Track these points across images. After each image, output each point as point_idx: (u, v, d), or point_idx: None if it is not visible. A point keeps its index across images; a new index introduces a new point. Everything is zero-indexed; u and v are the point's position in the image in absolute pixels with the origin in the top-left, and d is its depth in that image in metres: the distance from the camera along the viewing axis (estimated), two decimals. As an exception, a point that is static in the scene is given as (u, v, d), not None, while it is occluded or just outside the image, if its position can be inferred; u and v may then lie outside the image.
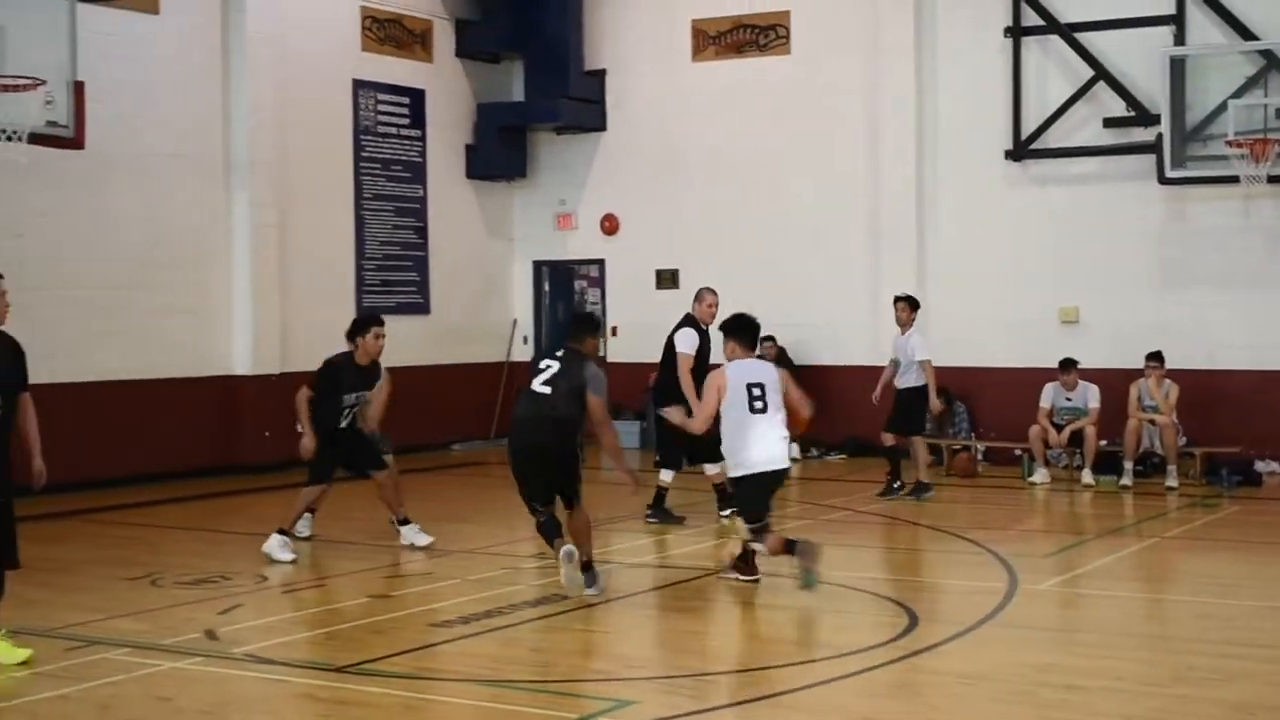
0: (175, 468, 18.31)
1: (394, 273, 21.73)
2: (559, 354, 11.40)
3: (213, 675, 8.83)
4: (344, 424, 13.17)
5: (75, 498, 15.75)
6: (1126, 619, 10.73)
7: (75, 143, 13.52)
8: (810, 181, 21.37)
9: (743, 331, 11.49)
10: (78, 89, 13.43)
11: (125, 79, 17.90)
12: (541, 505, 11.14)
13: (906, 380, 16.76)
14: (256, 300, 19.30)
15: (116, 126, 17.66)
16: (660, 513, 14.77)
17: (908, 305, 16.93)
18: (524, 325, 23.70)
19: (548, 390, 11.11)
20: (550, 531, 11.13)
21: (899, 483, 16.75)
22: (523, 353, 23.47)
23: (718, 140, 21.98)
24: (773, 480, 11.29)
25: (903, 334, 16.81)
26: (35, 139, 12.99)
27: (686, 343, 14.62)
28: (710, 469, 14.77)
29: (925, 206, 20.62)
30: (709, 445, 13.06)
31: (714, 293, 15.21)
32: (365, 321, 13.53)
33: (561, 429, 11.05)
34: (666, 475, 14.80)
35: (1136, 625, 10.63)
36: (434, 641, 9.80)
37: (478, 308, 23.10)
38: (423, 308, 22.10)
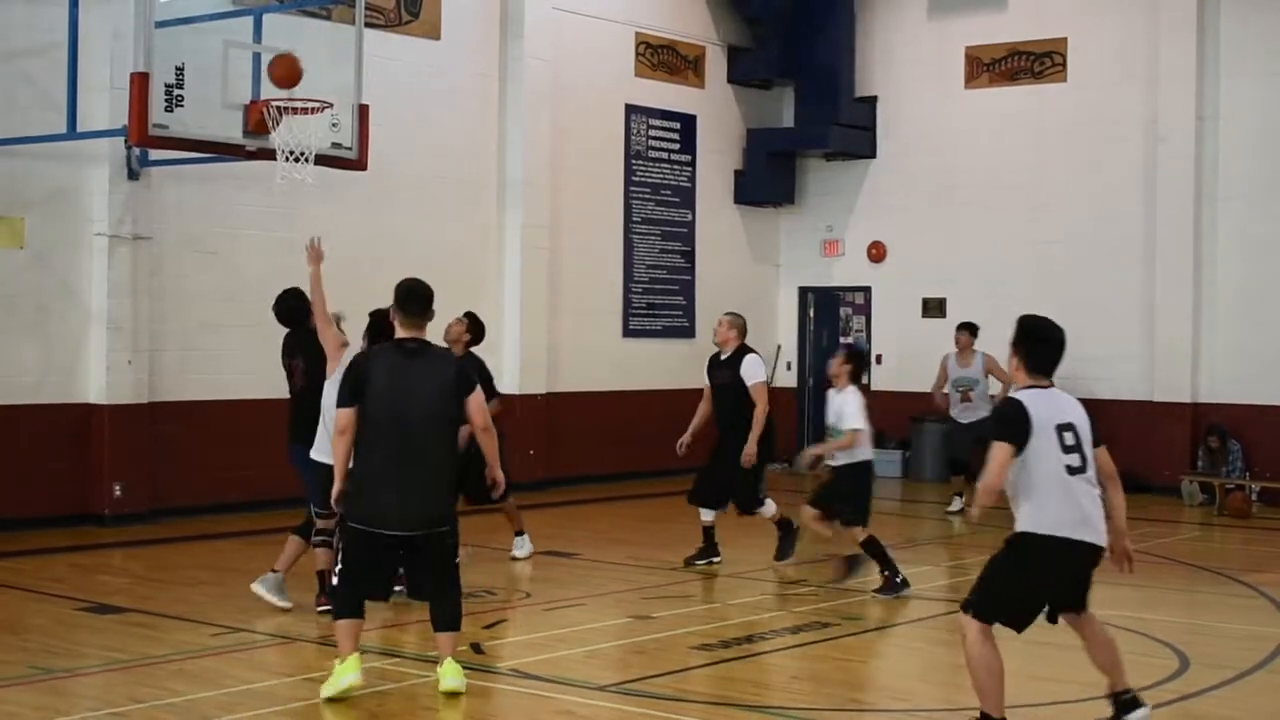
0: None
1: (660, 296, 21.79)
2: None
3: (477, 688, 8.88)
4: None
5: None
6: None
7: (358, 164, 13.82)
8: (1085, 211, 20.79)
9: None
10: (362, 112, 13.73)
11: (407, 102, 18.32)
12: None
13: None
14: (525, 321, 19.53)
15: (396, 148, 18.09)
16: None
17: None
18: (788, 351, 23.54)
19: None
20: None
21: None
22: (786, 379, 23.35)
23: (989, 169, 21.56)
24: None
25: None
26: (320, 160, 13.27)
27: (761, 371, 13.58)
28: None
29: (1203, 236, 19.90)
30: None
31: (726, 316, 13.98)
32: None
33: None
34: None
35: None
36: (694, 664, 9.73)
37: (743, 333, 22.98)
38: (688, 332, 22.09)
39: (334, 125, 13.58)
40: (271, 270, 16.92)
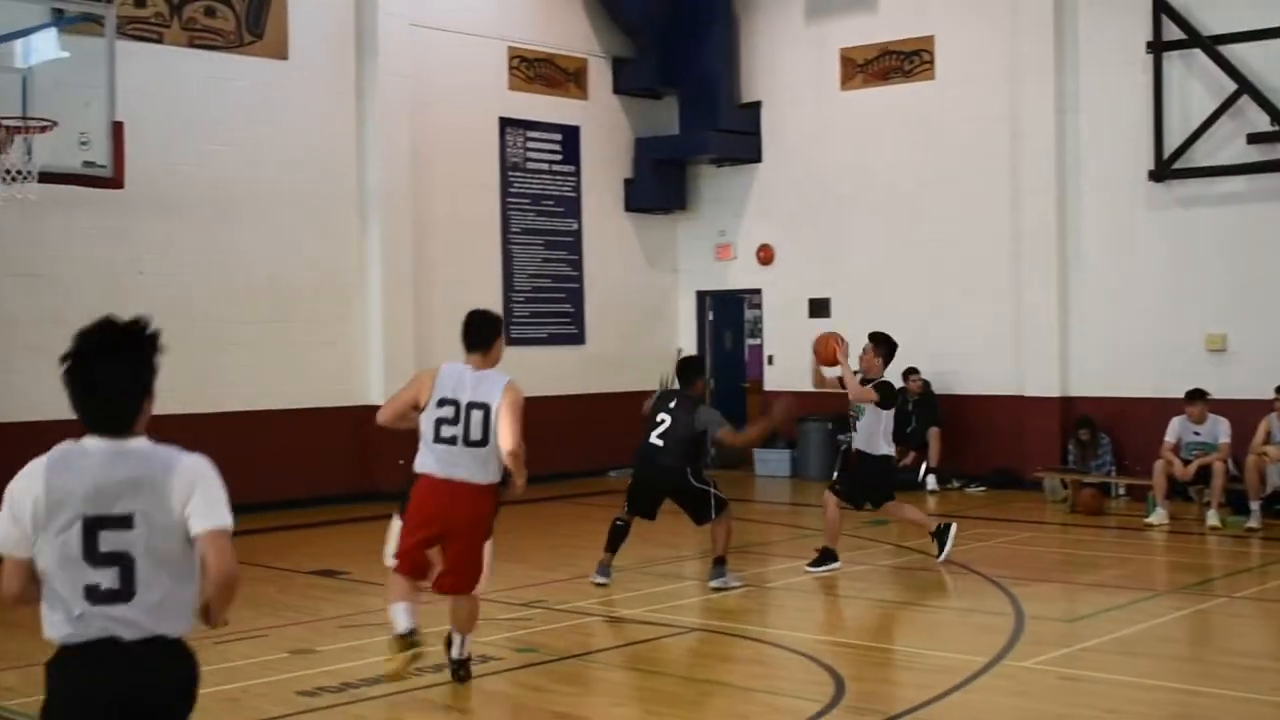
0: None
1: (545, 304, 20.73)
2: (673, 405, 12.05)
3: None
4: None
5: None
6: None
7: (114, 182, 12.90)
8: (954, 208, 19.54)
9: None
10: (116, 129, 12.80)
11: (251, 122, 17.43)
12: (631, 513, 12.20)
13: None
14: (389, 331, 18.50)
15: (239, 168, 17.27)
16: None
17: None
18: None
19: (660, 443, 11.94)
20: (616, 536, 12.18)
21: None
22: (687, 381, 22.27)
23: (866, 168, 20.32)
24: None
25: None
26: (73, 179, 12.42)
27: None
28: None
29: (1067, 231, 18.54)
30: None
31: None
32: None
33: (671, 474, 11.91)
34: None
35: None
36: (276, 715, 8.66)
37: (637, 337, 21.90)
38: (577, 339, 21.05)
39: (83, 144, 12.68)
40: (105, 291, 16.20)
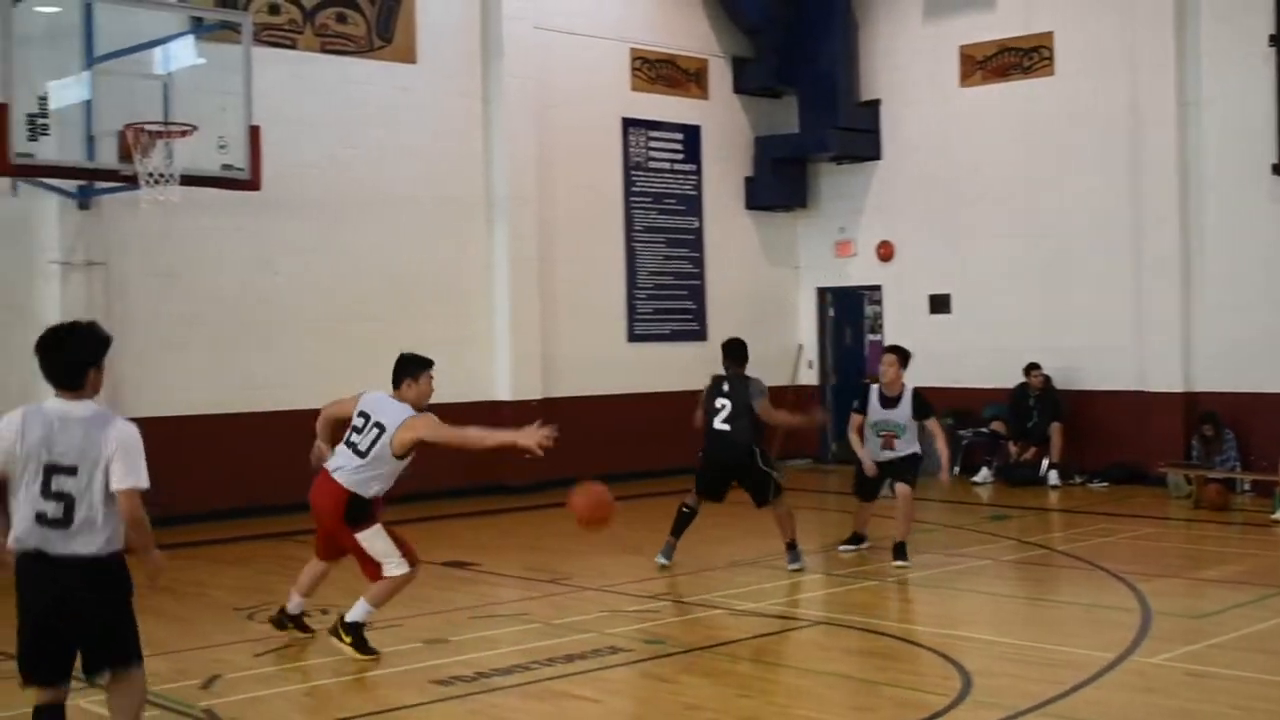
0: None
1: (667, 301, 20.77)
2: (726, 388, 12.45)
3: None
4: None
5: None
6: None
7: (251, 184, 13.12)
8: (1074, 205, 19.27)
9: None
10: (252, 133, 13.02)
11: (381, 125, 17.68)
12: (700, 496, 12.61)
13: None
14: (515, 330, 18.67)
15: (371, 170, 17.53)
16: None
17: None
18: (809, 350, 22.36)
19: (727, 428, 12.33)
20: (682, 521, 12.64)
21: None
22: (808, 376, 22.21)
23: (984, 165, 20.12)
24: None
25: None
26: (212, 181, 12.67)
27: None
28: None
29: (1189, 224, 18.21)
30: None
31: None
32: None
33: (741, 453, 12.30)
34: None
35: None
36: (408, 703, 8.78)
37: (759, 334, 21.73)
38: (699, 335, 21.03)
39: (221, 148, 12.93)
40: (240, 289, 16.50)
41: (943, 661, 9.10)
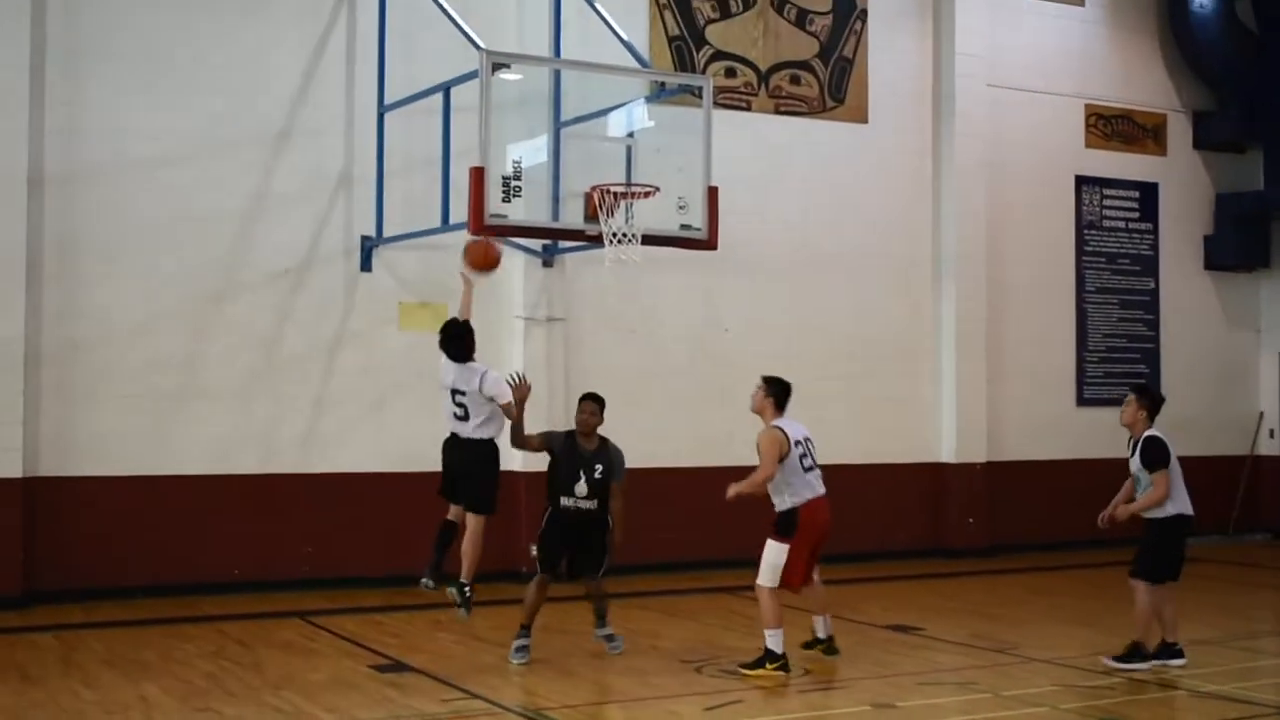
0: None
1: (1119, 364, 19.80)
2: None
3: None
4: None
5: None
6: None
7: (708, 244, 13.11)
8: None
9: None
10: (710, 194, 13.04)
11: (834, 183, 17.61)
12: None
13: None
14: (961, 392, 18.14)
15: (823, 229, 17.48)
16: None
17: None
18: (1270, 419, 20.89)
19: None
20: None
21: None
22: (1269, 447, 20.76)
23: None
24: None
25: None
26: (670, 241, 12.80)
27: None
28: None
29: None
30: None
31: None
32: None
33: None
34: None
35: None
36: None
37: (1215, 399, 20.59)
38: (1152, 399, 19.95)
39: (681, 208, 13.02)
40: (691, 348, 16.66)
41: None
